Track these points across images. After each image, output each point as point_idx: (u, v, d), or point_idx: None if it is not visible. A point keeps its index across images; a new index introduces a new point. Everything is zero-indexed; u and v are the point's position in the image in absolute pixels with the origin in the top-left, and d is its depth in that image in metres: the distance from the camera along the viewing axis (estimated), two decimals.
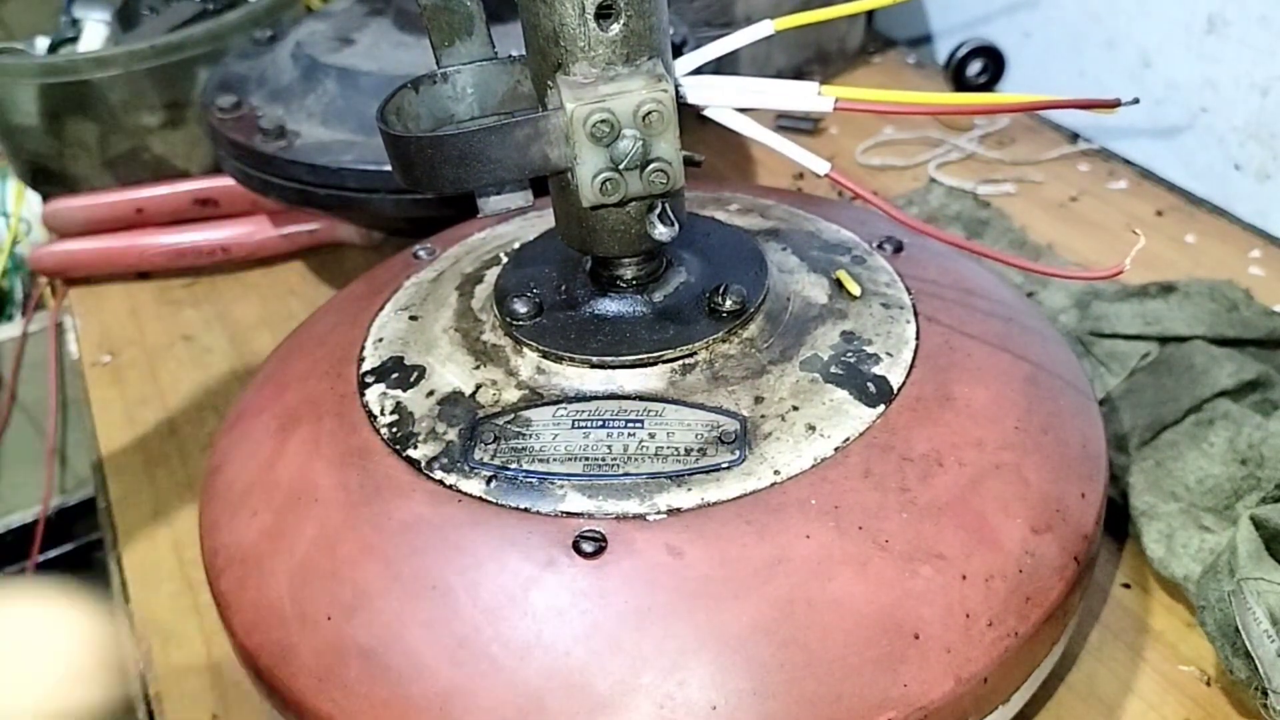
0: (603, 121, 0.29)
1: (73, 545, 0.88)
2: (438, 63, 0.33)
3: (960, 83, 0.71)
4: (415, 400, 0.34)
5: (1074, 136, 0.66)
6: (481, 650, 0.28)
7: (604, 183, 0.30)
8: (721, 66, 0.32)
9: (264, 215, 0.62)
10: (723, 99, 0.32)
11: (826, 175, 0.32)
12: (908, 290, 0.36)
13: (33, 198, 0.73)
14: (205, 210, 0.63)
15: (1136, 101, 0.29)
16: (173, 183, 0.63)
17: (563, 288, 0.35)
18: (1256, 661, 0.31)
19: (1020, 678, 0.30)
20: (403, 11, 0.57)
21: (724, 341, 0.33)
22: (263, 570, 0.32)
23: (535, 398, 0.33)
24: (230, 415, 0.39)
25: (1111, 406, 0.43)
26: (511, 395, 0.33)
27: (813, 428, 0.31)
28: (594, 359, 0.33)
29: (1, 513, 0.90)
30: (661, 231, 0.31)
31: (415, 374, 0.35)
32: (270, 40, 0.61)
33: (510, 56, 0.33)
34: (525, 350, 0.34)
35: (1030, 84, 0.70)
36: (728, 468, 0.30)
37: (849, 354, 0.33)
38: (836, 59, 0.77)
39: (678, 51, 0.32)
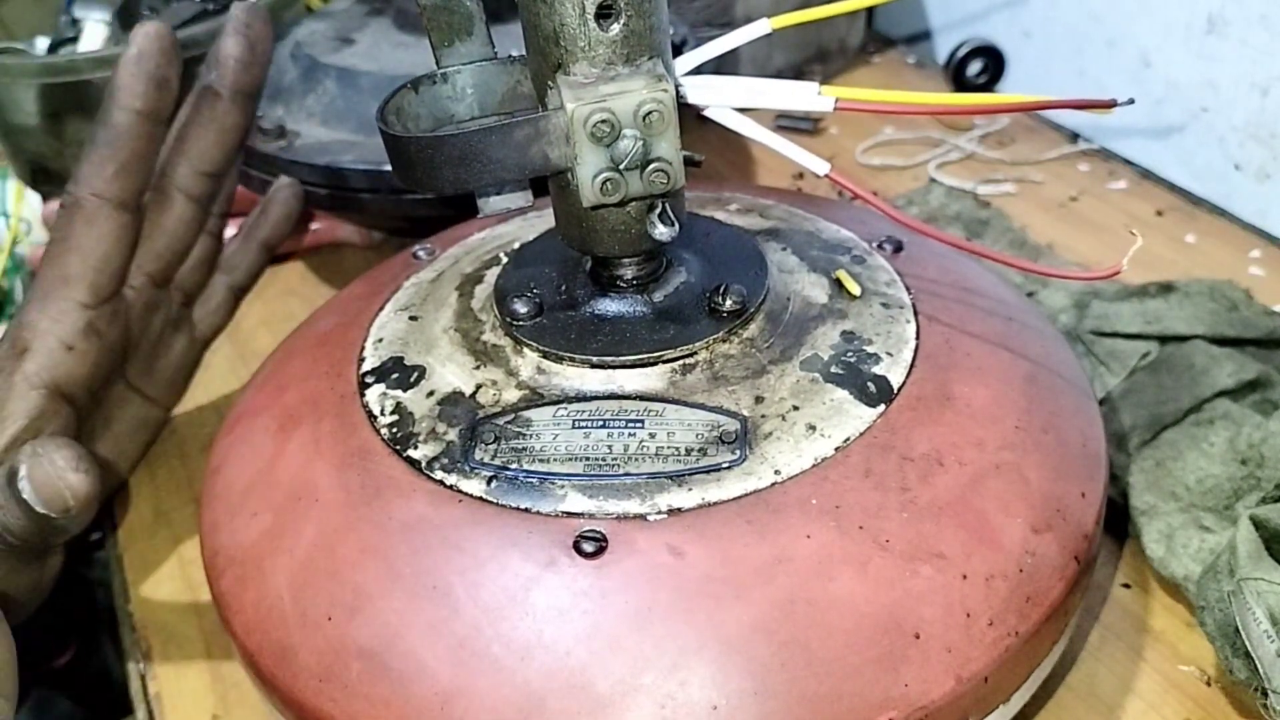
0: (603, 121, 0.29)
1: (72, 545, 0.88)
2: (437, 63, 0.33)
3: (960, 83, 0.71)
4: (415, 400, 0.34)
5: (1074, 136, 0.66)
6: (482, 650, 0.28)
7: (604, 183, 0.30)
8: (721, 66, 0.32)
9: None
10: (723, 99, 0.32)
11: (826, 175, 0.32)
12: (908, 290, 0.37)
13: (33, 198, 0.73)
14: None
15: (1132, 102, 0.29)
16: None
17: (563, 288, 0.35)
18: (1256, 661, 0.31)
19: (1021, 677, 0.30)
20: (403, 11, 0.57)
21: (724, 341, 0.33)
22: (263, 571, 0.32)
23: (535, 398, 0.33)
24: (230, 416, 0.39)
25: (1111, 406, 0.43)
26: (512, 395, 0.33)
27: (813, 427, 0.31)
28: (594, 359, 0.33)
29: None
30: (662, 231, 0.31)
31: (415, 374, 0.35)
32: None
33: (510, 56, 0.33)
34: (525, 350, 0.34)
35: (1030, 84, 0.70)
36: (728, 467, 0.30)
37: (849, 354, 0.33)
38: (836, 59, 0.77)
39: (677, 51, 0.32)
